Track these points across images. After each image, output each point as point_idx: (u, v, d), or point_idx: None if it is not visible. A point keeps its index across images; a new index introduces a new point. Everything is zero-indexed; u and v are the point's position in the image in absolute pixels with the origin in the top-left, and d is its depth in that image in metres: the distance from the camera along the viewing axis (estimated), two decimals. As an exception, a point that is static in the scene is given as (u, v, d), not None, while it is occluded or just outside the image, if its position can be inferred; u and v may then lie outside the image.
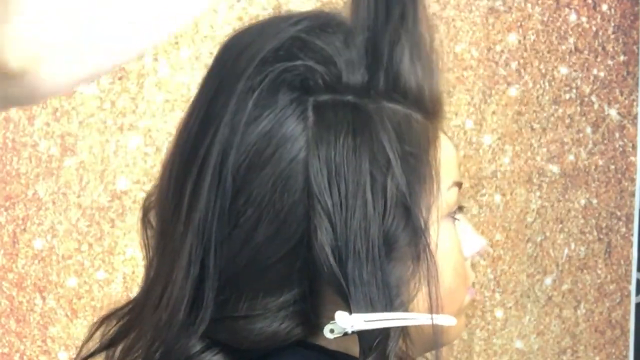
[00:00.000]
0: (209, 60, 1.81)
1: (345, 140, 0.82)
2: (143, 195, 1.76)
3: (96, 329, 0.90)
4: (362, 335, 0.81)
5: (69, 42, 0.66)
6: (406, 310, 0.83)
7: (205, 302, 0.83)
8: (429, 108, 0.87)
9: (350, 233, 0.81)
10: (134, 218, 1.81)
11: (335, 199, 0.81)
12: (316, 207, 0.81)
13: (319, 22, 0.86)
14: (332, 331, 0.82)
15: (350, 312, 0.81)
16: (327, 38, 0.85)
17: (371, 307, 0.81)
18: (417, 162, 0.84)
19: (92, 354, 0.90)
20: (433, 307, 0.83)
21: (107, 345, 0.89)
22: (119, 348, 0.89)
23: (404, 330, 0.83)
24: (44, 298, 1.79)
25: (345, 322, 0.81)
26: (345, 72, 0.84)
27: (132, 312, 0.89)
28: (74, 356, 0.92)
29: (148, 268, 0.89)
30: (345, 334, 0.81)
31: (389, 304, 0.81)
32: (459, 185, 0.89)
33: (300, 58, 0.83)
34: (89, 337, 0.90)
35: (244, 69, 0.84)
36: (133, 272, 1.81)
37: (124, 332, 0.89)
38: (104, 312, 0.92)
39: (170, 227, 0.85)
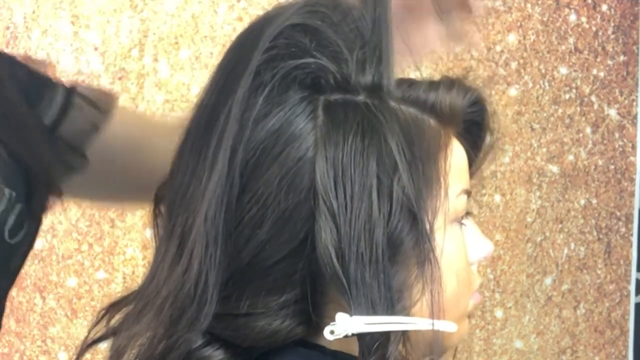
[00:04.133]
0: (209, 60, 1.82)
1: (354, 142, 0.80)
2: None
3: (102, 317, 0.89)
4: (362, 338, 0.80)
5: None
6: (408, 314, 0.82)
7: (210, 297, 0.83)
8: (444, 113, 0.86)
9: (354, 235, 0.80)
10: (134, 218, 1.81)
11: (341, 200, 0.80)
12: (321, 208, 0.80)
13: (334, 11, 0.84)
14: (332, 332, 0.81)
15: (351, 314, 0.80)
16: (342, 29, 0.83)
17: (372, 310, 0.80)
18: (425, 167, 0.82)
19: (97, 341, 0.90)
20: (434, 313, 0.82)
21: (112, 334, 0.89)
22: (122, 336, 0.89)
23: (404, 335, 0.82)
24: (44, 298, 1.79)
25: (345, 324, 0.80)
26: (358, 71, 0.83)
27: (137, 301, 0.88)
28: (74, 355, 0.92)
29: (155, 258, 0.88)
30: (346, 336, 0.81)
31: (390, 308, 0.80)
32: (468, 193, 0.87)
33: (312, 55, 0.82)
34: (95, 325, 0.90)
35: (251, 59, 0.82)
36: (133, 272, 1.81)
37: (128, 321, 0.88)
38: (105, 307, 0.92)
39: (179, 218, 0.85)
